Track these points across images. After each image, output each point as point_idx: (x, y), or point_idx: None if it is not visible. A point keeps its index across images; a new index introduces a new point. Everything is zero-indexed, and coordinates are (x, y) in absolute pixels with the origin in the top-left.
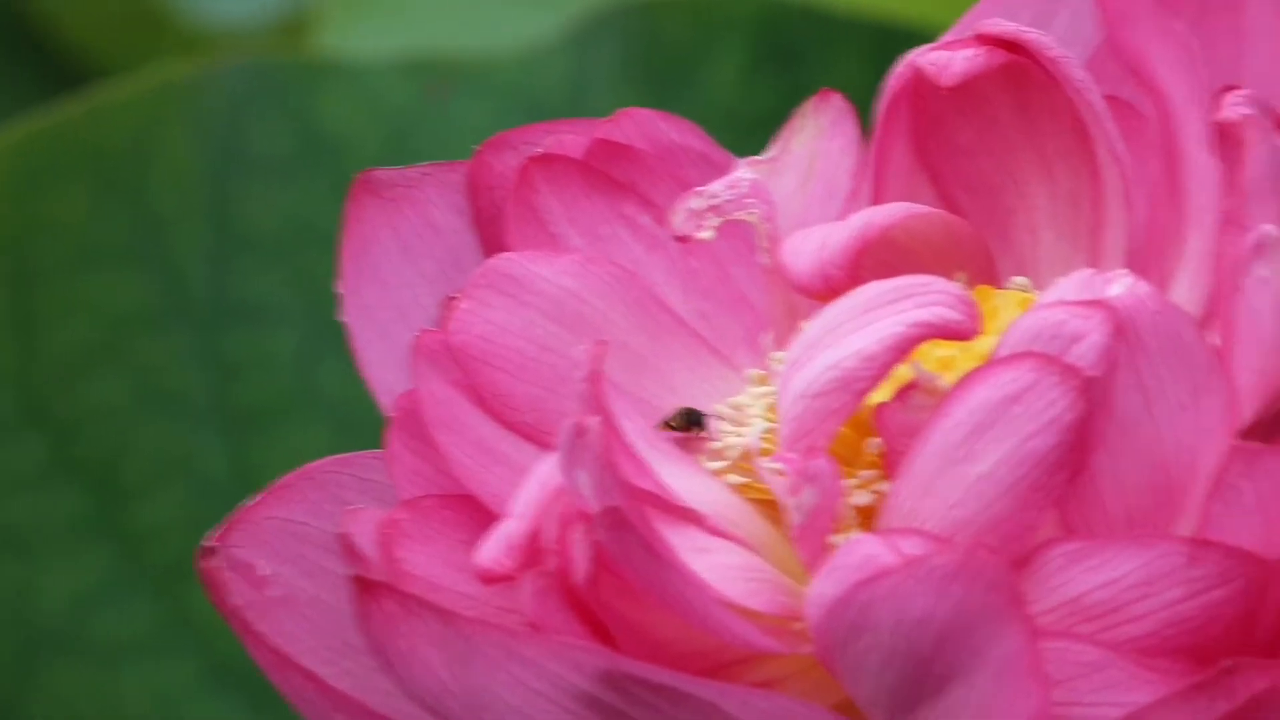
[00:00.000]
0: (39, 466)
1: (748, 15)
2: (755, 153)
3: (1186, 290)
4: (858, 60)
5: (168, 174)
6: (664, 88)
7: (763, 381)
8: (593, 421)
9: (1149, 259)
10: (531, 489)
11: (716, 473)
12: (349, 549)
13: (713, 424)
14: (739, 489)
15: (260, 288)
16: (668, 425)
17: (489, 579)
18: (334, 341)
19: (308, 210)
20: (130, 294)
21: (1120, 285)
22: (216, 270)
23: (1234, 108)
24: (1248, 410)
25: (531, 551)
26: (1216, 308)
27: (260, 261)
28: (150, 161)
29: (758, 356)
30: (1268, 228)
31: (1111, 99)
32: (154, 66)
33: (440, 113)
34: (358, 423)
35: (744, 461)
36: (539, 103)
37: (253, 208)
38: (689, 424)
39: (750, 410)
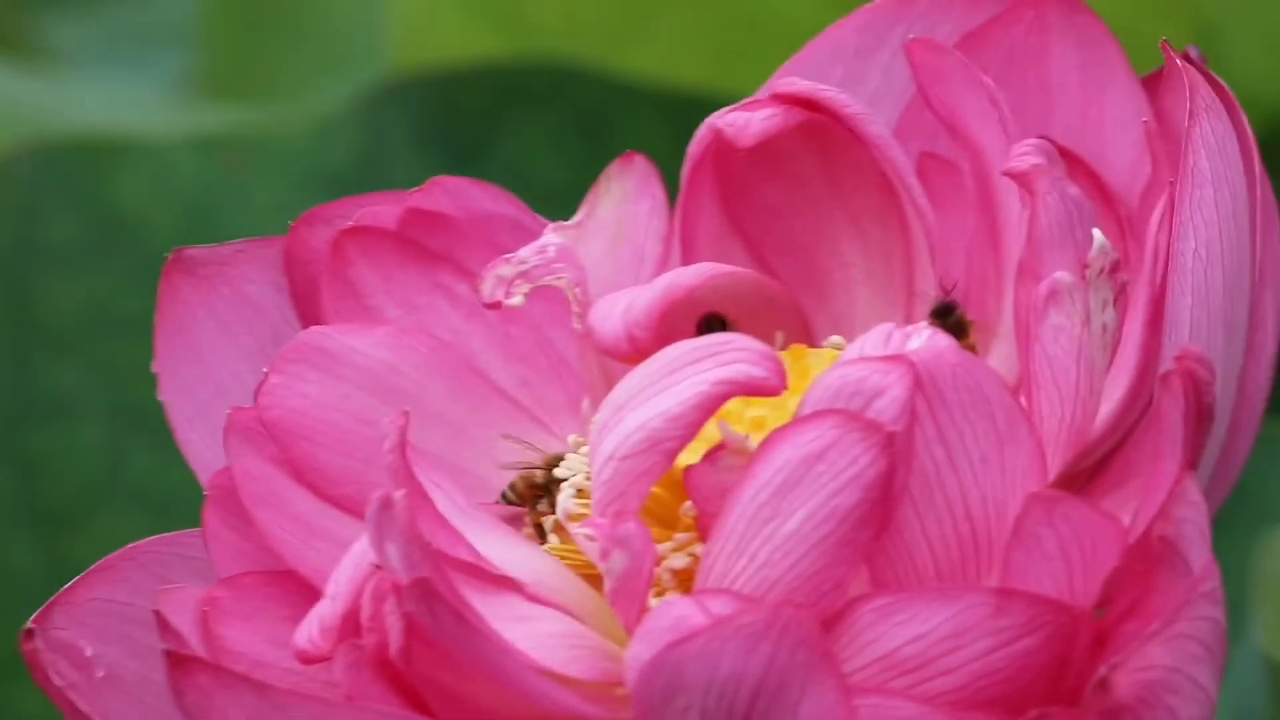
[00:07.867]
0: None
1: (547, 85)
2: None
3: (1009, 344)
4: (661, 130)
5: None
6: (460, 159)
7: (581, 447)
8: (398, 494)
9: (970, 313)
10: (346, 568)
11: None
12: (163, 626)
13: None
14: (565, 555)
15: (62, 379)
16: (505, 495)
17: (306, 660)
18: (141, 429)
19: (107, 295)
20: None
21: (919, 339)
22: (16, 364)
23: (1022, 157)
24: (1056, 461)
25: (347, 631)
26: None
27: (60, 352)
28: None
29: (579, 421)
30: (1060, 274)
31: (929, 156)
32: None
33: (237, 188)
34: (172, 509)
35: (562, 528)
36: (336, 175)
37: (50, 296)
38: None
39: (572, 477)
